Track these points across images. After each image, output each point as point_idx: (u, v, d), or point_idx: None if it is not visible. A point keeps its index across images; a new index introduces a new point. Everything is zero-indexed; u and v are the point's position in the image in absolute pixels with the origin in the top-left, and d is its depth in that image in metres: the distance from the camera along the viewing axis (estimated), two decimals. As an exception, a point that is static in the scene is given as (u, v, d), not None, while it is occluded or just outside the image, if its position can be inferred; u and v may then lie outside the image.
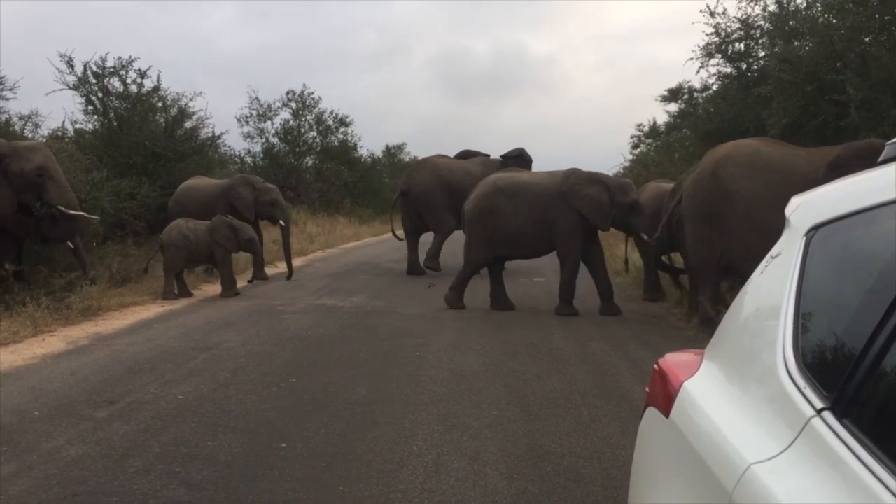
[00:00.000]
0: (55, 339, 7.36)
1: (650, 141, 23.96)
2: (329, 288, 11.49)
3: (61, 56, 15.94)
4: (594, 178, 9.21)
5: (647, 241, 9.23)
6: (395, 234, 14.48)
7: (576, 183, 9.09)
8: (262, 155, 27.70)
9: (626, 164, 23.85)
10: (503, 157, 14.62)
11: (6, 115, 15.13)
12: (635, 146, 24.76)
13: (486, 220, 9.25)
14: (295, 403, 5.11)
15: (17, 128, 14.35)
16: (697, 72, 19.21)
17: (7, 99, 15.35)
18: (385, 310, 9.40)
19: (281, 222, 12.52)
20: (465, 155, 14.74)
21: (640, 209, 9.16)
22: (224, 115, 33.47)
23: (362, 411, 4.92)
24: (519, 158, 14.41)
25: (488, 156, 14.86)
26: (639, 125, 24.66)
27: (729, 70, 15.21)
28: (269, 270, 12.63)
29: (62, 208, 9.02)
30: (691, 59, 15.12)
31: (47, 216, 9.10)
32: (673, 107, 20.32)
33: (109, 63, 15.86)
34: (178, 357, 6.53)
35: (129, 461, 3.93)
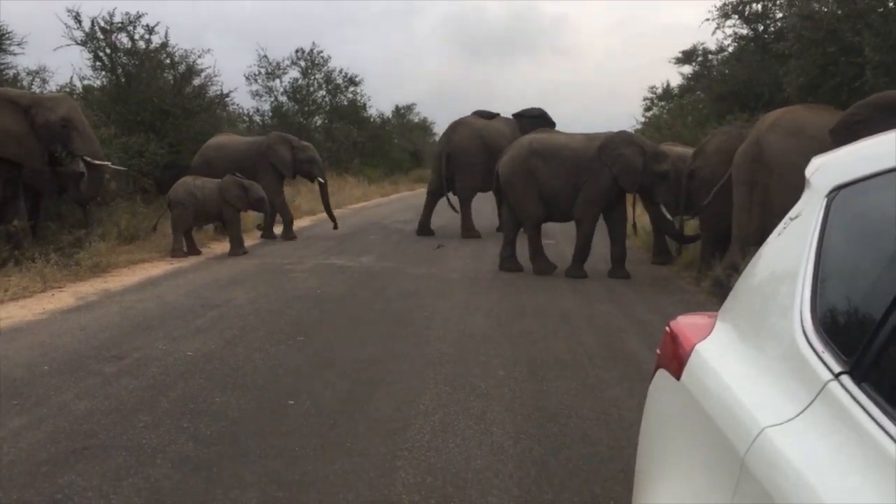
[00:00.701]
0: (64, 294, 7.39)
1: (663, 104, 23.67)
2: (337, 248, 11.49)
3: (69, 11, 15.79)
4: (632, 140, 9.14)
5: (669, 218, 9.19)
6: (451, 206, 13.97)
7: (613, 141, 8.98)
8: (270, 113, 27.55)
9: (638, 126, 23.59)
10: (516, 115, 14.43)
11: (14, 71, 15.03)
12: (648, 109, 24.48)
13: (525, 180, 9.11)
14: (302, 361, 5.12)
15: (24, 83, 14.28)
16: (713, 33, 18.98)
17: (15, 54, 15.24)
18: (393, 270, 9.40)
19: (319, 179, 12.76)
20: (483, 115, 14.44)
21: (669, 180, 9.03)
22: (233, 73, 33.24)
23: (369, 370, 4.93)
24: (539, 119, 14.20)
25: (499, 114, 14.60)
26: (652, 87, 24.34)
27: (745, 31, 14.96)
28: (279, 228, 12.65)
29: (88, 158, 9.08)
30: (707, 20, 14.90)
31: (76, 175, 9.19)
32: (687, 69, 20.08)
33: (117, 18, 15.72)
34: (186, 314, 6.56)
35: (137, 416, 3.96)
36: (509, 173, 9.25)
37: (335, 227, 12.59)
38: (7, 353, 5.18)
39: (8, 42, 14.93)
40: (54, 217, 10.05)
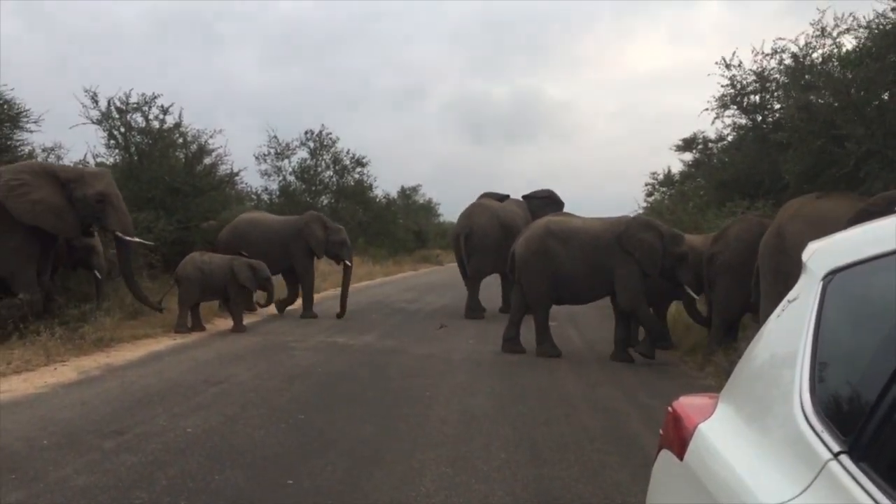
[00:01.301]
0: (67, 368, 7.38)
1: (664, 189, 24.01)
2: (340, 326, 11.49)
3: (86, 91, 16.28)
4: (649, 224, 9.23)
5: (695, 297, 9.20)
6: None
7: (632, 226, 9.07)
8: (278, 192, 27.94)
9: (640, 211, 23.88)
10: (525, 197, 14.70)
11: (30, 147, 15.42)
12: (649, 194, 24.82)
13: (541, 262, 9.10)
14: (302, 440, 5.08)
15: (39, 160, 14.60)
16: (713, 122, 19.40)
17: (31, 131, 15.67)
18: (395, 349, 9.37)
19: (347, 262, 12.92)
20: (495, 197, 14.65)
21: (688, 261, 9.07)
22: (242, 152, 33.93)
23: (370, 450, 4.88)
24: (548, 199, 14.48)
25: (510, 196, 14.85)
26: (653, 173, 24.74)
27: (744, 121, 15.31)
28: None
29: (120, 234, 9.35)
30: (707, 109, 15.26)
31: (89, 248, 9.60)
32: (688, 156, 20.44)
33: (133, 99, 16.19)
34: (187, 390, 6.53)
35: (135, 493, 3.91)
36: (526, 254, 9.24)
37: (340, 315, 12.37)
38: (7, 426, 5.15)
39: (25, 119, 15.37)
40: (61, 291, 10.11)
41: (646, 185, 25.03)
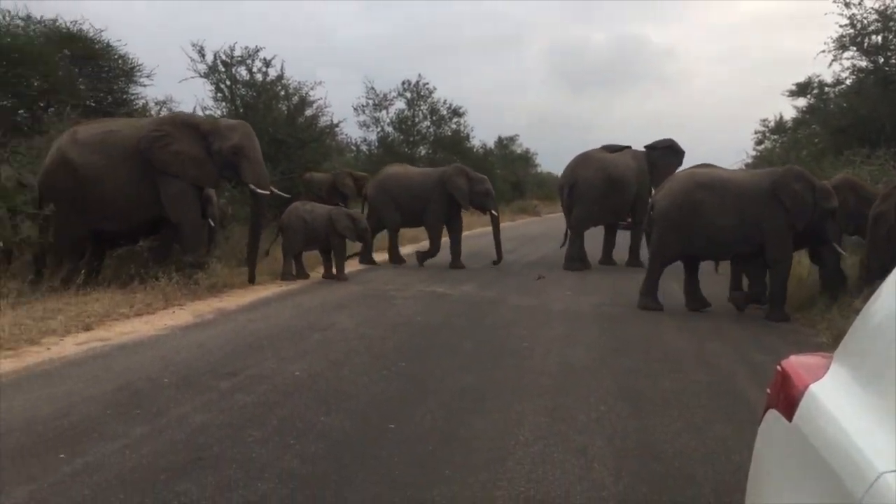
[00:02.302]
0: (184, 312, 7.83)
1: (775, 137, 22.89)
2: (439, 276, 11.64)
3: (194, 45, 16.87)
4: (802, 175, 8.70)
5: (843, 253, 8.75)
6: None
7: (786, 176, 8.62)
8: (376, 143, 28.30)
9: (749, 160, 22.90)
10: (648, 147, 14.39)
11: (143, 101, 16.18)
12: (759, 142, 23.74)
13: (686, 216, 8.70)
14: (403, 386, 5.22)
15: (152, 113, 15.31)
16: (829, 65, 18.17)
17: (144, 86, 16.44)
18: (494, 299, 9.43)
19: (493, 211, 13.17)
20: (611, 149, 14.33)
21: (836, 218, 8.60)
22: (341, 103, 34.38)
23: (469, 398, 4.97)
24: (669, 149, 14.13)
25: (629, 147, 14.54)
26: (763, 120, 23.61)
27: (864, 63, 14.34)
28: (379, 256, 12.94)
29: (253, 187, 9.60)
30: (823, 51, 14.37)
31: (208, 198, 9.97)
32: (801, 101, 19.36)
33: (237, 52, 16.63)
34: (294, 335, 6.81)
35: (248, 431, 4.14)
36: (668, 206, 8.83)
37: (497, 262, 12.87)
38: (131, 365, 5.54)
39: (138, 74, 16.13)
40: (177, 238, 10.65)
41: (755, 132, 23.95)
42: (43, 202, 9.09)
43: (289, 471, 3.60)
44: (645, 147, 14.46)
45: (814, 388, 1.70)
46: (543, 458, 3.87)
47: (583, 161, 13.75)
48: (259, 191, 9.69)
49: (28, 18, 15.20)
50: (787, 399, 1.78)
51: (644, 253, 13.81)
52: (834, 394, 1.62)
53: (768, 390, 1.98)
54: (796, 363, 1.92)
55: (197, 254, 9.41)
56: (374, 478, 3.56)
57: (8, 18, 15.00)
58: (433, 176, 13.23)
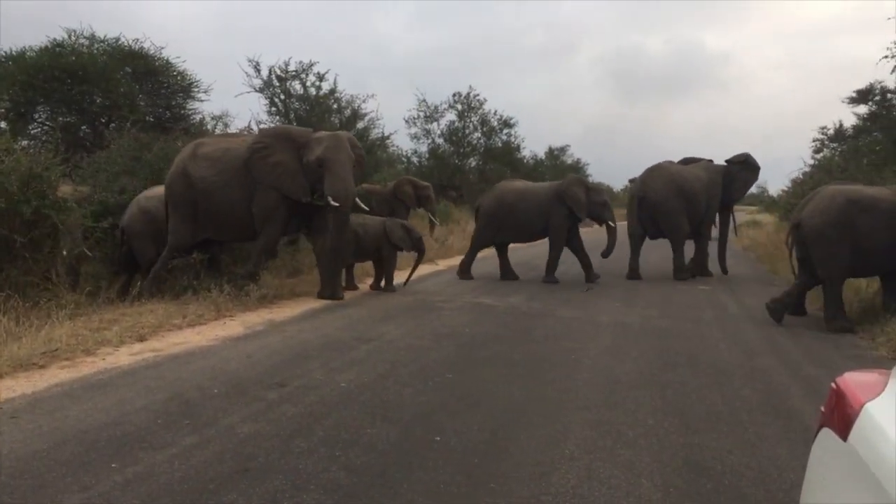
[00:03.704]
0: (234, 323, 7.97)
1: (835, 145, 22.30)
2: (486, 287, 11.62)
3: (250, 61, 17.26)
4: None
5: None
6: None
7: None
8: (427, 155, 28.49)
9: (807, 169, 22.37)
10: (728, 161, 14.40)
11: (200, 115, 16.60)
12: (817, 150, 23.15)
13: (842, 233, 8.36)
14: (450, 398, 5.21)
15: (209, 127, 15.70)
16: (893, 71, 17.56)
17: (201, 101, 16.86)
18: (541, 311, 9.37)
19: (609, 223, 13.06)
20: (687, 161, 14.53)
21: None
22: (393, 114, 34.76)
23: (515, 411, 4.93)
24: (745, 163, 14.23)
25: (711, 161, 14.63)
26: (822, 128, 23.03)
27: (930, 68, 13.86)
28: (430, 267, 12.96)
29: (330, 199, 9.53)
30: (886, 56, 13.94)
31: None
32: (862, 108, 18.85)
33: (291, 67, 16.96)
34: (341, 346, 6.87)
35: (295, 442, 4.18)
36: (822, 225, 8.46)
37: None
38: (182, 375, 5.65)
39: (196, 90, 16.55)
40: (228, 251, 10.88)
41: (813, 140, 23.38)
42: (167, 206, 9.71)
43: (334, 482, 3.61)
44: (726, 161, 14.49)
45: (869, 406, 1.64)
46: (589, 472, 3.81)
47: (652, 173, 13.78)
48: (333, 203, 9.51)
49: (92, 37, 15.78)
50: (842, 418, 1.72)
51: (714, 265, 13.79)
52: (891, 413, 1.56)
53: (822, 408, 1.92)
54: (851, 380, 1.85)
55: (256, 266, 9.58)
56: (419, 489, 3.55)
57: (73, 38, 15.58)
58: (551, 189, 13.05)
